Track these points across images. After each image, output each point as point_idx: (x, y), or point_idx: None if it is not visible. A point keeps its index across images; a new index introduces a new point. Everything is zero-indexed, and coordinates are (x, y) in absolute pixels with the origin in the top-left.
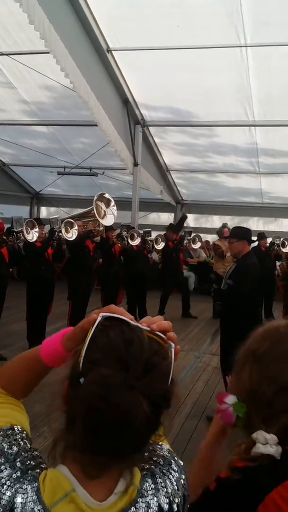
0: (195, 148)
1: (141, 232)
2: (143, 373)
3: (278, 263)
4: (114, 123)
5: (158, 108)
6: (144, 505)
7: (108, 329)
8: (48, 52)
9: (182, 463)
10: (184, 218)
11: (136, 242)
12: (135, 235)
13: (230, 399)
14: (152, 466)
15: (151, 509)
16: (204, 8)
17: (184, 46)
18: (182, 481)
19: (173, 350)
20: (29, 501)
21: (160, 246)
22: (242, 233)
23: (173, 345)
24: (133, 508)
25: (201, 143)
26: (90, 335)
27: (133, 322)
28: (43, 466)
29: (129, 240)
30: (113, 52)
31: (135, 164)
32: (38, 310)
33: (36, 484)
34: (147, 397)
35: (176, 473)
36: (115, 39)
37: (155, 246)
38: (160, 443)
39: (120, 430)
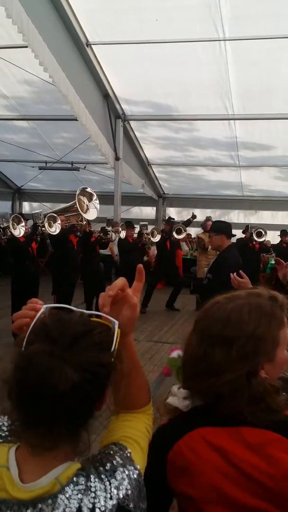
0: (175, 142)
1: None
2: (70, 344)
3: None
4: (95, 118)
5: (138, 103)
6: (63, 502)
7: (47, 317)
8: (27, 46)
9: (134, 474)
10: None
11: (156, 238)
12: (155, 232)
13: (173, 354)
14: (92, 468)
15: (69, 509)
16: (182, 1)
17: (163, 40)
18: (121, 492)
19: (116, 326)
20: None
21: (156, 239)
22: (221, 227)
23: (116, 322)
24: (50, 501)
25: (182, 137)
26: (31, 325)
27: (77, 309)
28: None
29: (151, 237)
30: (92, 46)
31: (117, 159)
32: (23, 305)
33: None
34: (74, 364)
35: (116, 482)
36: (94, 33)
37: (152, 239)
38: (129, 450)
39: (44, 396)
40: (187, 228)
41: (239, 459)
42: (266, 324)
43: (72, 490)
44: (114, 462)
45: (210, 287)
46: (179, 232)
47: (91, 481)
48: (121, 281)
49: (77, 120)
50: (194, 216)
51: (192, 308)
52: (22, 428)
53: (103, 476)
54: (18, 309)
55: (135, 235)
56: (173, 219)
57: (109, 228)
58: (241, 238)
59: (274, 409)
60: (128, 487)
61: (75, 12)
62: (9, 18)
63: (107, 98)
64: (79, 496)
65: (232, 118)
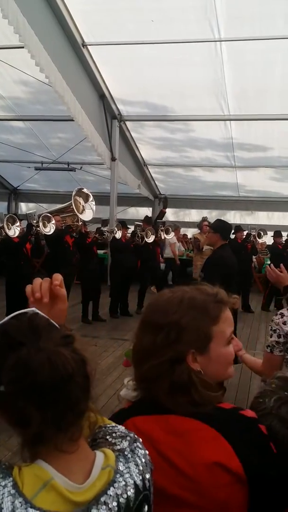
0: (172, 142)
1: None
2: (41, 337)
3: (254, 257)
4: (91, 118)
5: (134, 103)
6: (122, 485)
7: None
8: (23, 47)
9: (140, 440)
10: (162, 213)
11: (151, 239)
12: (149, 233)
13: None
14: (121, 447)
15: (129, 487)
16: (178, 2)
17: (159, 41)
18: (148, 456)
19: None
20: (7, 496)
21: (151, 239)
22: (218, 227)
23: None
24: (111, 488)
25: (178, 137)
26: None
27: (29, 310)
28: (8, 464)
29: (145, 238)
30: (88, 46)
31: (113, 159)
32: (18, 306)
33: (11, 478)
34: (60, 348)
35: (142, 450)
36: (90, 34)
37: (146, 239)
38: (113, 424)
39: (60, 383)
40: (184, 229)
41: (165, 446)
42: (193, 316)
43: (122, 471)
44: (124, 435)
45: None
46: (167, 232)
47: (129, 457)
48: (59, 276)
49: (73, 120)
50: (165, 206)
51: None
52: (51, 428)
53: (132, 448)
54: (12, 309)
55: (128, 235)
56: (150, 217)
57: (105, 229)
58: (233, 239)
59: (198, 402)
60: (147, 451)
61: (71, 13)
62: (5, 19)
63: (103, 98)
64: (129, 472)
65: (228, 118)
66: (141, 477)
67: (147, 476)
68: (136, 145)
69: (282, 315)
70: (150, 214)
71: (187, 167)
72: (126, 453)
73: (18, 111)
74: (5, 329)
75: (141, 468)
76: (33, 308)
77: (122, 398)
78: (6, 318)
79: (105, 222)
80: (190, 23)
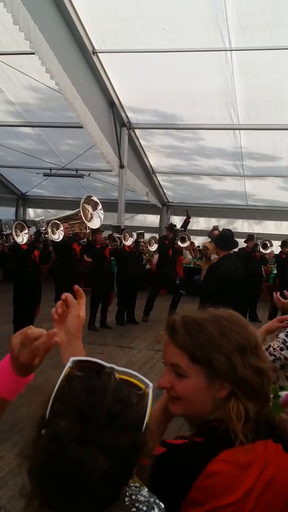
0: (181, 150)
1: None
2: (104, 424)
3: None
4: (100, 125)
5: (143, 111)
6: None
7: (74, 377)
8: (33, 53)
9: (163, 506)
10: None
11: (129, 242)
12: (127, 235)
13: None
14: (137, 504)
15: None
16: (189, 11)
17: (170, 49)
18: None
19: (150, 390)
20: None
21: (154, 247)
22: (216, 237)
23: (151, 385)
24: None
25: (187, 146)
26: (58, 384)
27: (107, 364)
28: None
29: (123, 241)
30: (98, 54)
31: (121, 166)
32: (25, 312)
33: None
34: (107, 450)
35: (162, 506)
36: (100, 41)
37: (149, 247)
38: (137, 484)
39: (74, 487)
40: (193, 237)
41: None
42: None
43: None
44: (144, 500)
45: (202, 294)
46: (183, 240)
47: None
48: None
49: (82, 127)
50: (188, 216)
51: None
52: (41, 509)
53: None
54: (20, 315)
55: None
56: (175, 225)
57: (116, 235)
58: (243, 248)
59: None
60: None
61: (81, 20)
62: (16, 25)
63: (113, 106)
64: None
65: (237, 128)
66: None
67: None
68: (144, 153)
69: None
70: (157, 222)
71: (195, 175)
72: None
73: (27, 117)
74: (60, 392)
75: None
76: (112, 365)
77: None
78: (71, 363)
79: (116, 228)
80: (200, 32)
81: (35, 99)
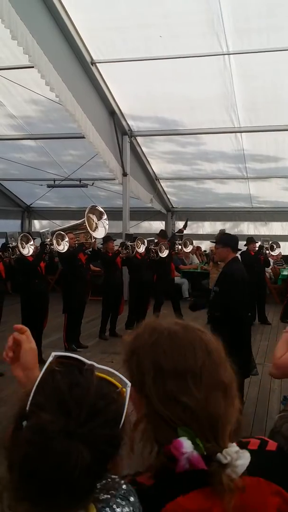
0: (183, 156)
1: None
2: (86, 419)
3: (268, 268)
4: (102, 135)
5: (144, 118)
6: None
7: (57, 372)
8: (33, 67)
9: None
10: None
11: (141, 250)
12: (140, 243)
13: (186, 444)
14: (108, 496)
15: None
16: (185, 17)
17: (167, 56)
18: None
19: (128, 389)
20: None
21: (165, 254)
22: (226, 240)
23: (129, 384)
24: None
25: (189, 151)
26: (39, 377)
27: (88, 361)
28: None
29: (136, 248)
30: (97, 64)
31: (124, 174)
32: (33, 324)
33: None
34: (89, 444)
35: (133, 498)
36: (98, 52)
37: (160, 254)
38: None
39: (57, 480)
40: (199, 242)
41: None
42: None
43: None
44: (118, 486)
45: (217, 301)
46: (186, 245)
47: (116, 507)
48: (10, 340)
49: (84, 137)
50: (185, 226)
51: (203, 323)
52: (19, 501)
53: (121, 496)
54: (28, 327)
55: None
56: (165, 231)
57: (129, 243)
58: (245, 250)
59: None
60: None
61: (79, 32)
62: (15, 40)
63: (113, 115)
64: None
65: (239, 130)
66: None
67: None
68: (147, 160)
69: None
70: (163, 228)
71: (199, 180)
72: (111, 503)
73: (29, 130)
74: (42, 385)
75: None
76: (92, 363)
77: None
78: (53, 358)
79: (128, 237)
80: (198, 38)
81: (36, 111)
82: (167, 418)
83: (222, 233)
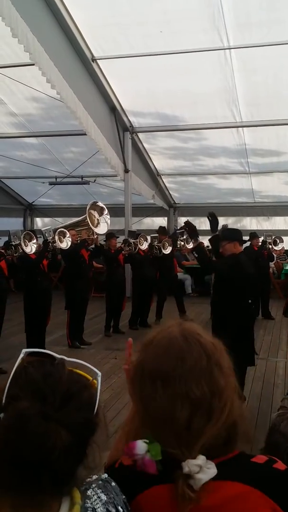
0: (184, 151)
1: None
2: (61, 403)
3: (271, 263)
4: (103, 131)
5: (145, 114)
6: None
7: (29, 365)
8: (33, 64)
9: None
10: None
11: (144, 247)
12: (142, 240)
13: (140, 447)
14: (90, 479)
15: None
16: (185, 12)
17: (168, 52)
18: (121, 494)
19: (99, 378)
20: None
21: (168, 251)
22: (231, 234)
23: (99, 373)
24: None
25: (191, 146)
26: (12, 373)
27: (58, 356)
28: None
29: (138, 245)
30: (98, 61)
31: (126, 171)
32: (36, 321)
33: None
34: (66, 426)
35: (114, 483)
36: (99, 48)
37: (163, 251)
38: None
39: (38, 462)
40: (201, 237)
41: None
42: None
43: (91, 503)
44: (98, 477)
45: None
46: (188, 241)
47: (98, 489)
48: None
49: (85, 134)
50: (185, 226)
51: (206, 318)
52: (3, 487)
53: (102, 482)
54: (32, 325)
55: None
56: (164, 227)
57: (132, 240)
58: (248, 246)
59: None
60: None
61: (79, 29)
62: (15, 38)
63: (115, 111)
64: (99, 503)
65: (240, 125)
66: (113, 508)
67: (120, 509)
68: (149, 156)
69: None
70: (165, 224)
71: (200, 175)
72: (93, 486)
73: (30, 127)
74: (16, 378)
75: (112, 498)
76: (62, 357)
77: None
78: (24, 354)
79: (131, 233)
80: (198, 33)
81: (37, 109)
82: (142, 419)
83: (225, 228)
